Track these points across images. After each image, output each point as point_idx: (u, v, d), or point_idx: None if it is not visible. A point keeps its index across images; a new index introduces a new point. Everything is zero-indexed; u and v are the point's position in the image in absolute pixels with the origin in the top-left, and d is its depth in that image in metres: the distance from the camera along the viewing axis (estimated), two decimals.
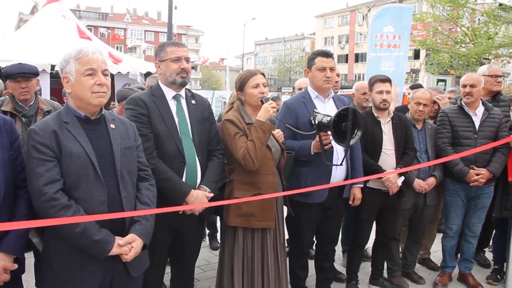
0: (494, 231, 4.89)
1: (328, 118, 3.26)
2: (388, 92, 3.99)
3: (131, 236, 2.31)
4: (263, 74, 3.31)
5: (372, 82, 4.04)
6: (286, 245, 3.82)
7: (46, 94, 7.14)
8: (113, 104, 5.02)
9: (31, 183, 2.19)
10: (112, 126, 2.40)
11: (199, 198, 2.94)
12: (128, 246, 2.29)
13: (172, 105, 3.05)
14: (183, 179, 2.96)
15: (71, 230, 2.15)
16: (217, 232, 5.46)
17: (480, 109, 4.25)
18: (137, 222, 2.37)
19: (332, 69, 3.65)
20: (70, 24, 9.68)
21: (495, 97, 4.74)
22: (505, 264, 4.17)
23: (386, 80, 4.02)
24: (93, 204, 2.22)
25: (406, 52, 6.60)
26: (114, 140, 2.36)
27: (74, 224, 2.12)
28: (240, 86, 3.27)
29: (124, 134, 2.44)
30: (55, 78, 7.48)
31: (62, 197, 2.15)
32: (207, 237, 5.57)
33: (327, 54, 3.69)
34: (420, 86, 6.46)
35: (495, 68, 4.93)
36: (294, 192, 3.22)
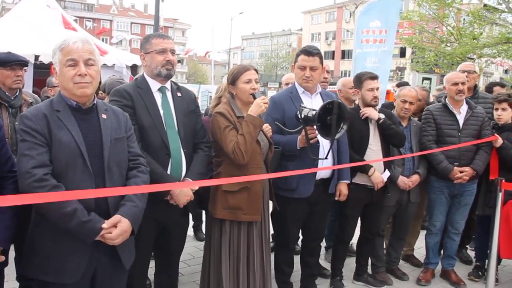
0: (475, 228, 4.95)
1: (314, 112, 3.26)
2: (377, 89, 4.00)
3: (115, 217, 2.24)
4: (255, 70, 3.29)
5: (362, 80, 4.00)
6: (271, 240, 3.81)
7: (28, 85, 7.01)
8: (102, 94, 4.93)
9: (19, 165, 2.15)
10: (104, 116, 2.37)
11: (183, 191, 2.92)
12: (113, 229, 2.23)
13: (158, 97, 3.02)
14: (168, 172, 2.94)
15: (61, 210, 2.09)
16: (202, 223, 5.44)
17: (464, 108, 4.31)
18: (122, 206, 2.31)
19: (313, 68, 3.58)
20: (54, 14, 9.49)
21: (474, 94, 4.82)
22: (486, 261, 4.21)
23: (375, 77, 4.01)
24: None
25: (391, 48, 6.58)
26: (104, 130, 2.33)
27: (65, 204, 2.08)
28: (233, 80, 3.25)
29: (116, 125, 2.41)
30: (39, 69, 7.35)
31: (51, 179, 2.12)
32: (191, 231, 5.55)
33: (310, 53, 3.60)
34: (406, 84, 6.50)
35: (465, 64, 5.11)
36: (279, 177, 3.23)
